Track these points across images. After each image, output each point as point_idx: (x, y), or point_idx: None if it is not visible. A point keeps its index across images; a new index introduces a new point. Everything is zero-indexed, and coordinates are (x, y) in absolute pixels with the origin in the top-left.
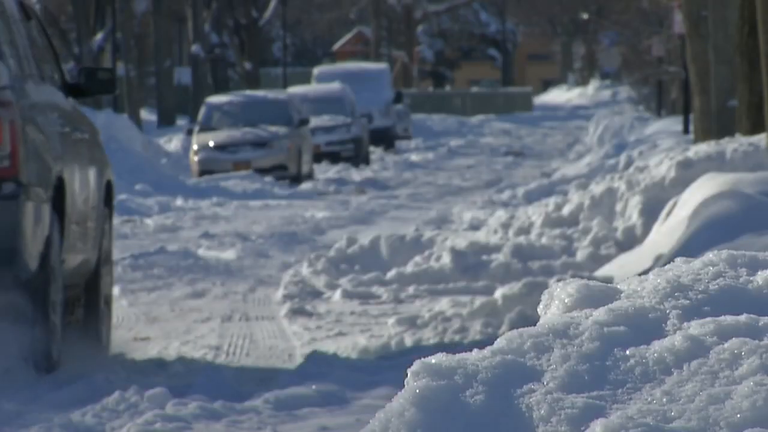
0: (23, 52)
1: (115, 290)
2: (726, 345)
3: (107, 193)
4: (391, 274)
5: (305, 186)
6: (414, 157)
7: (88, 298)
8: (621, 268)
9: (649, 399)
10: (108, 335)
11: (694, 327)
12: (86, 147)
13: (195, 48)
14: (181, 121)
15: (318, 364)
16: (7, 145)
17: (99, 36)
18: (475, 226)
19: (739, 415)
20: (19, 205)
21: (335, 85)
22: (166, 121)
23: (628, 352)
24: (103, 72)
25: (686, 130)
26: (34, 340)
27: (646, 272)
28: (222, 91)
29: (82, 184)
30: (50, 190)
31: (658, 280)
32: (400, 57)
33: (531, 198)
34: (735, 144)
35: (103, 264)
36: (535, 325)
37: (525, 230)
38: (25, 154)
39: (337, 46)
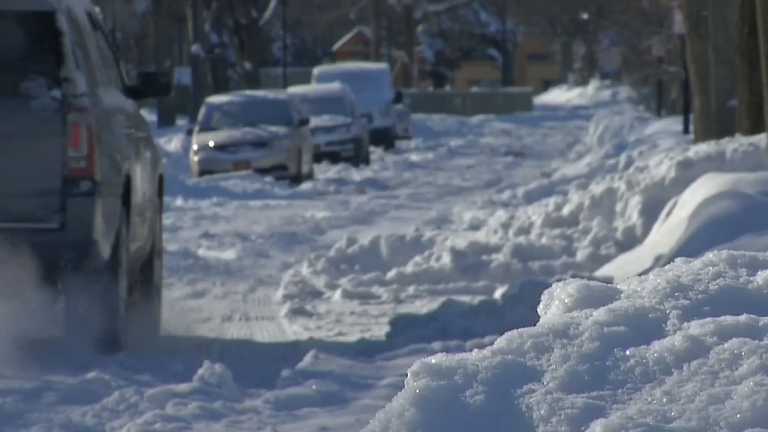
0: (94, 60)
1: None
2: (726, 345)
3: (159, 185)
4: (391, 274)
5: (305, 186)
6: (414, 157)
7: (144, 281)
8: (621, 268)
9: (649, 399)
10: (159, 314)
11: (694, 327)
12: (145, 145)
13: (195, 48)
14: (181, 121)
15: (318, 364)
16: (84, 147)
17: None
18: (475, 226)
19: (739, 415)
20: (94, 202)
21: (335, 85)
22: (166, 121)
23: (628, 352)
24: (160, 76)
25: (686, 130)
26: (105, 323)
27: (646, 272)
28: (222, 91)
29: (143, 180)
30: (120, 187)
31: (658, 280)
32: (400, 57)
33: (531, 198)
34: (735, 144)
35: (156, 249)
36: (535, 325)
37: (525, 230)
38: (99, 155)
39: (337, 46)
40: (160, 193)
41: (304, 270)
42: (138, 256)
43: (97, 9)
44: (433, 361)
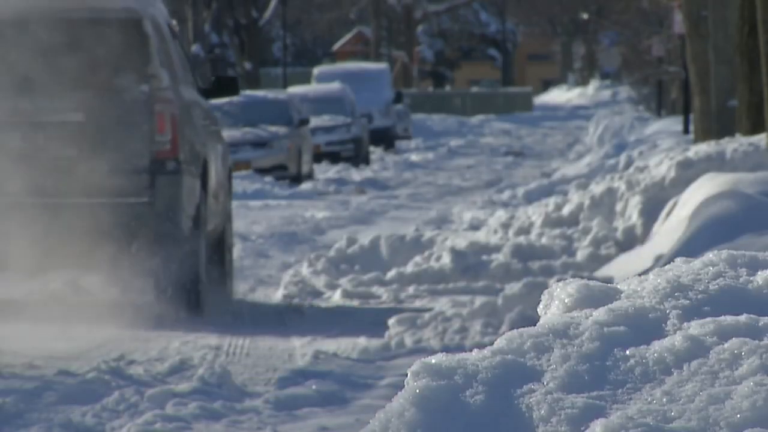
0: (175, 62)
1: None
2: (726, 345)
3: (229, 175)
4: (391, 274)
5: (305, 186)
6: (414, 157)
7: (218, 253)
8: (621, 268)
9: (649, 399)
10: (232, 284)
11: (694, 327)
12: (217, 138)
13: (195, 48)
14: None
15: (318, 364)
16: (169, 132)
17: None
18: (475, 226)
19: (739, 415)
20: (178, 179)
21: (335, 85)
22: None
23: (628, 352)
24: (229, 79)
25: (686, 130)
26: (189, 285)
27: (646, 272)
28: None
29: (217, 165)
30: (199, 169)
31: (658, 280)
32: (400, 57)
33: (531, 198)
34: (735, 144)
35: (227, 229)
36: (535, 325)
37: (525, 230)
38: (181, 140)
39: (337, 46)
40: (229, 182)
41: (304, 270)
42: (213, 233)
43: (174, 22)
44: (433, 361)
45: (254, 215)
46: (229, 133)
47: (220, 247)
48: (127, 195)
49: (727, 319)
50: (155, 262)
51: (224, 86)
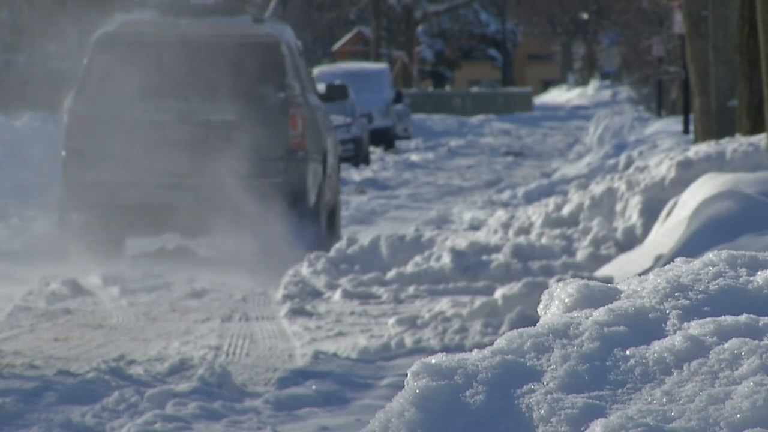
0: (303, 75)
1: (115, 290)
2: (726, 345)
3: (338, 160)
4: (391, 274)
5: None
6: (414, 157)
7: (331, 219)
8: (621, 268)
9: (649, 399)
10: (340, 240)
11: (694, 327)
12: (332, 132)
13: None
14: None
15: (318, 364)
16: (299, 129)
17: None
18: (475, 226)
19: (739, 415)
20: (306, 165)
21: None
22: None
23: (628, 352)
24: (339, 87)
25: (686, 130)
26: (314, 241)
27: (646, 272)
28: None
29: (332, 154)
30: (320, 157)
31: (658, 280)
32: (400, 57)
33: (531, 198)
34: (735, 144)
35: (337, 199)
36: (535, 325)
37: (525, 230)
38: (308, 135)
39: (337, 46)
40: (339, 165)
41: (304, 270)
42: (329, 204)
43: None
44: (433, 361)
45: None
46: None
47: (332, 214)
48: (267, 176)
49: (727, 319)
50: (287, 228)
51: (336, 92)
